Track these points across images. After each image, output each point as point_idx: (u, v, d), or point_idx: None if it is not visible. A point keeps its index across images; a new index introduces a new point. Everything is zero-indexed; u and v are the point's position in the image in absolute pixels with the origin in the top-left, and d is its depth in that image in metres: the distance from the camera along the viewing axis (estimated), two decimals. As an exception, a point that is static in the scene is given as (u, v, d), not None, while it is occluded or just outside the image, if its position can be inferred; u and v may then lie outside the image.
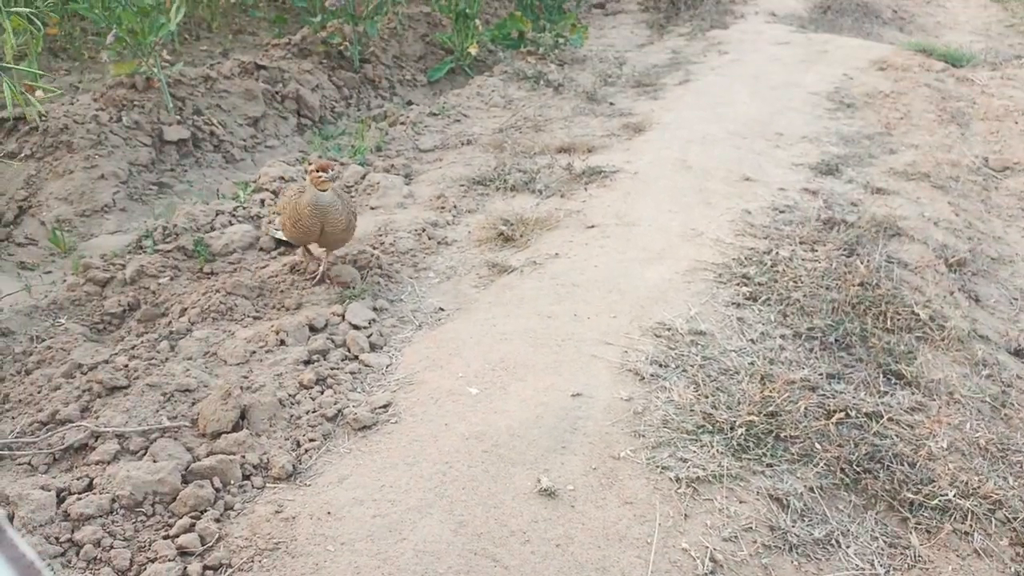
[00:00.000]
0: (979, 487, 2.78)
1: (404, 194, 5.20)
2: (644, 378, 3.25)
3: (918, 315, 3.76)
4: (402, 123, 6.79)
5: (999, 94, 7.81)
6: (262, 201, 5.04)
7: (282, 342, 3.49)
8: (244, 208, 4.96)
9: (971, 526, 2.67)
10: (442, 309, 3.86)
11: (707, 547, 2.48)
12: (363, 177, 5.40)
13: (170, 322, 3.81)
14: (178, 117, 6.18)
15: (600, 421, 3.00)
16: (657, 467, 2.79)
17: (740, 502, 2.67)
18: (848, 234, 4.53)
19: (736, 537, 2.54)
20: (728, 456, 2.85)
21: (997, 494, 2.77)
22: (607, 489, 2.70)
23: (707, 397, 3.14)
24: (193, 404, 3.08)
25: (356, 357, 3.45)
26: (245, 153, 6.44)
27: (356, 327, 3.64)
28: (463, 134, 6.55)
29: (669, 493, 2.68)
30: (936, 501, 2.71)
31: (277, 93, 7.12)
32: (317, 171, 3.74)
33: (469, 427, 2.94)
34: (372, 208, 5.02)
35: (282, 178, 5.25)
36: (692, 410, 3.06)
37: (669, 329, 3.60)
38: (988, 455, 3.02)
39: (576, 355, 3.41)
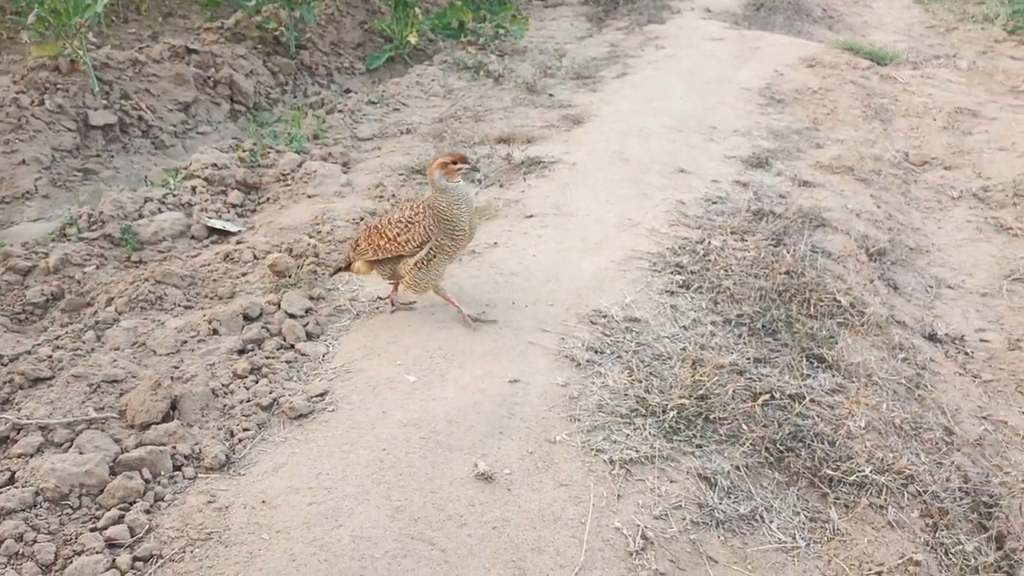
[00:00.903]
0: (893, 463, 2.93)
1: (342, 183, 5.15)
2: (580, 364, 3.31)
3: (840, 302, 3.93)
4: (340, 111, 6.71)
5: (919, 92, 8.17)
6: (193, 188, 4.93)
7: (215, 331, 3.43)
8: (174, 195, 4.84)
9: (886, 500, 2.81)
10: (380, 298, 3.85)
11: (639, 525, 2.55)
12: (300, 165, 5.33)
13: (96, 312, 3.70)
14: (104, 101, 5.98)
15: (537, 406, 3.05)
16: (592, 450, 2.85)
17: (671, 481, 2.76)
18: (776, 225, 4.69)
19: (667, 515, 2.62)
20: (660, 438, 2.94)
21: (910, 469, 2.93)
22: (543, 472, 2.74)
23: (641, 382, 3.21)
24: (121, 395, 3.01)
25: (292, 346, 3.42)
26: (175, 139, 6.27)
27: (292, 316, 3.60)
28: (402, 123, 6.51)
29: (603, 475, 2.75)
30: (854, 477, 2.85)
31: (209, 78, 6.95)
32: (454, 162, 3.31)
33: (407, 414, 2.95)
34: (309, 196, 4.95)
35: (214, 165, 5.14)
36: (626, 394, 3.14)
37: (605, 316, 3.67)
38: (902, 433, 3.19)
39: (514, 342, 3.45)
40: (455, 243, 3.38)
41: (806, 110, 7.31)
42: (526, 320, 3.62)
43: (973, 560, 2.69)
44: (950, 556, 2.70)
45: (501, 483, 2.68)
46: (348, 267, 3.66)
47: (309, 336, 3.50)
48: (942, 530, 2.79)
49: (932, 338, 4.12)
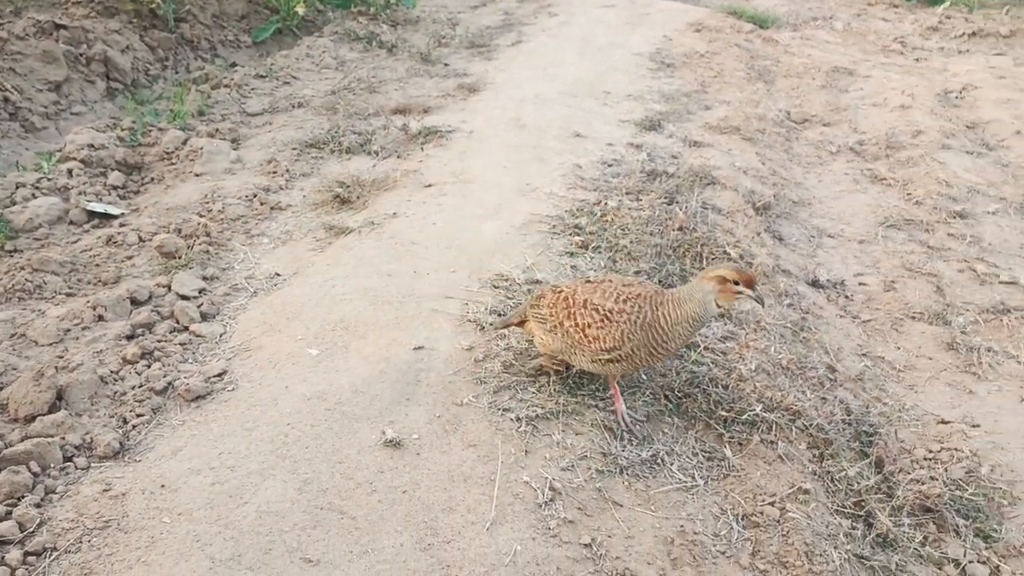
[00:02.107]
0: (782, 401, 3.11)
1: (232, 159, 4.97)
2: (484, 328, 3.35)
3: (729, 254, 4.10)
4: (226, 86, 6.45)
5: (799, 53, 8.54)
6: (69, 171, 4.64)
7: (100, 318, 3.27)
8: (49, 180, 4.54)
9: (776, 435, 2.98)
10: (278, 274, 3.76)
11: (547, 478, 2.61)
12: (185, 143, 5.10)
13: (-32, 305, 3.46)
14: (-38, 81, 5.53)
15: (442, 371, 3.07)
16: (499, 410, 2.89)
17: (576, 434, 2.84)
18: (669, 184, 4.84)
19: (573, 466, 2.69)
20: (564, 393, 3.01)
21: (797, 406, 3.11)
22: (451, 435, 2.77)
23: (544, 341, 3.27)
24: (1, 389, 2.84)
25: (186, 328, 3.30)
26: (47, 121, 5.88)
27: (184, 297, 3.47)
28: (293, 96, 6.32)
29: (510, 433, 2.80)
30: (746, 416, 3.00)
31: (81, 55, 6.52)
32: (736, 282, 2.59)
33: (310, 388, 2.91)
34: (197, 175, 4.76)
35: (91, 145, 4.85)
36: (530, 354, 3.19)
37: (507, 280, 3.71)
38: (789, 373, 3.38)
39: (417, 310, 3.45)
40: (652, 359, 2.71)
41: (694, 73, 7.53)
42: (429, 288, 3.62)
43: (856, 484, 2.90)
44: (835, 482, 2.90)
45: (410, 448, 2.69)
46: (521, 323, 3.06)
47: (204, 317, 3.39)
48: (828, 459, 2.99)
49: (815, 284, 4.37)
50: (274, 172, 4.85)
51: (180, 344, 3.18)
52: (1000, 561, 2.70)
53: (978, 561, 2.71)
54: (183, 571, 2.15)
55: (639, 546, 2.45)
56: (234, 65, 7.53)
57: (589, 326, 2.71)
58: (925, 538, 2.75)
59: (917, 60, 8.64)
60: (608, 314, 2.67)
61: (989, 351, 3.89)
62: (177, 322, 3.31)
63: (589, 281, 2.84)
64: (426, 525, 2.40)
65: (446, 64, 7.42)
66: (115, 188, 4.62)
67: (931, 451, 3.23)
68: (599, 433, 2.86)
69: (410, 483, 2.55)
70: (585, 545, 2.42)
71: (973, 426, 3.42)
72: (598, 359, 2.73)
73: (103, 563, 2.17)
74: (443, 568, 2.26)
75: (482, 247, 3.99)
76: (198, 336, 3.25)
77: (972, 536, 2.79)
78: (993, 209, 5.24)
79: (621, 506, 2.60)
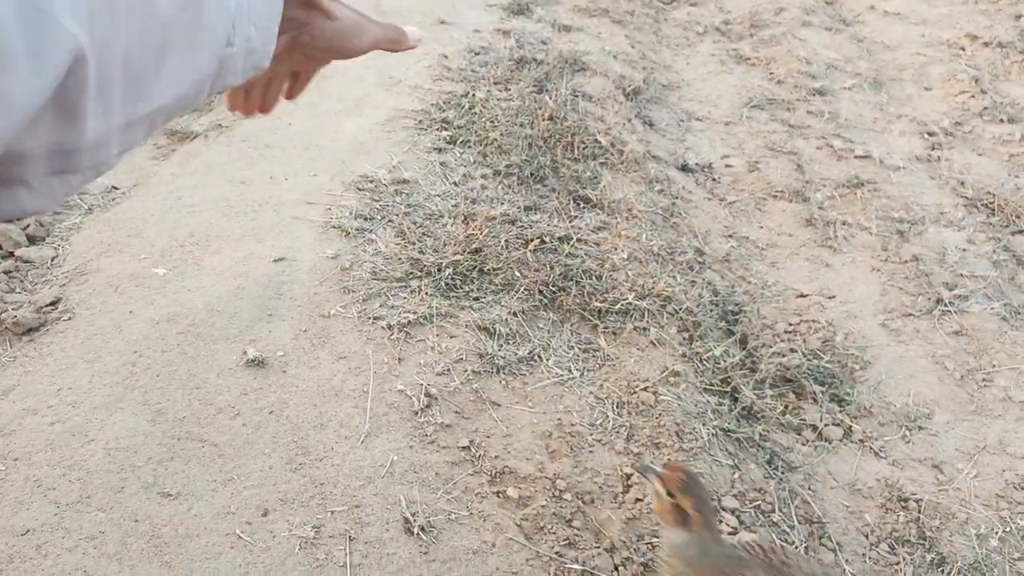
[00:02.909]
0: (653, 287, 3.15)
1: (50, 59, 4.38)
2: (350, 233, 3.17)
3: (600, 143, 4.04)
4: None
5: (667, -69, 8.33)
6: None
7: (-97, 249, 2.87)
8: None
9: (647, 322, 3.03)
10: (115, 188, 3.41)
11: (422, 384, 2.55)
12: (-9, 41, 4.45)
13: None
14: None
15: (306, 283, 2.90)
16: (369, 318, 2.78)
17: (451, 337, 2.77)
18: (538, 72, 4.67)
19: (449, 370, 2.64)
20: (438, 297, 2.92)
21: (667, 291, 3.16)
22: (319, 348, 2.64)
23: (414, 244, 3.15)
24: None
25: (11, 254, 2.95)
26: None
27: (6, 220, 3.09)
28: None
29: (382, 341, 2.70)
30: (619, 306, 3.02)
31: None
32: None
33: (159, 311, 2.69)
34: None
35: None
36: (400, 258, 3.06)
37: (372, 181, 3.52)
38: (660, 259, 3.42)
39: (275, 219, 3.22)
40: None
41: (563, -48, 7.22)
42: (287, 194, 3.38)
43: (722, 362, 3.00)
44: (704, 362, 2.99)
45: (275, 367, 2.55)
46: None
47: (31, 240, 3.03)
48: (696, 341, 3.07)
49: (684, 168, 4.40)
50: (103, 72, 4.32)
51: (4, 272, 2.84)
52: (852, 422, 2.90)
53: (833, 424, 2.90)
54: (24, 520, 1.97)
55: (517, 443, 2.45)
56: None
57: None
58: (786, 407, 2.91)
59: (780, -63, 8.62)
60: None
61: (844, 224, 4.08)
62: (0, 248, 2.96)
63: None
64: (296, 445, 2.30)
65: (296, -55, 6.77)
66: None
67: (791, 324, 3.38)
68: (474, 334, 2.81)
69: (277, 403, 2.42)
70: (463, 448, 2.40)
71: (829, 297, 3.61)
72: None
73: (-73, 523, 1.96)
74: (316, 486, 2.18)
75: (344, 147, 3.75)
76: (25, 262, 2.92)
77: (828, 401, 2.98)
78: (849, 84, 5.40)
79: (499, 405, 2.58)
